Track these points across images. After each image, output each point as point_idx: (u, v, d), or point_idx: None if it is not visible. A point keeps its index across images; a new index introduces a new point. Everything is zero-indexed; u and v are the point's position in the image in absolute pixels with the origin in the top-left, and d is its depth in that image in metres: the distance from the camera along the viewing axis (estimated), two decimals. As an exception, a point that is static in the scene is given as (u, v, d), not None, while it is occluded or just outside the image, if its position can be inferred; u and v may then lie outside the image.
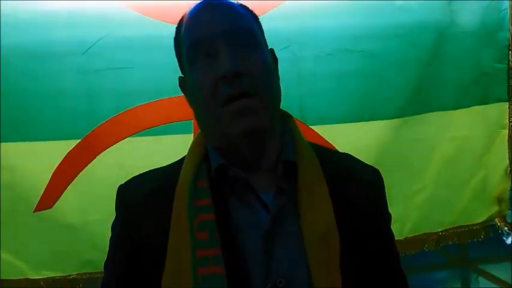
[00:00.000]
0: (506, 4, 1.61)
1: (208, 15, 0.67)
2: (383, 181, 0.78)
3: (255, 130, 0.65)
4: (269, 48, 0.73)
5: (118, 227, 0.73)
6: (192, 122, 1.44)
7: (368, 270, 0.68)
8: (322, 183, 0.69)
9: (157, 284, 0.64)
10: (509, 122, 1.65)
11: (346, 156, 0.80)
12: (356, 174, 0.74)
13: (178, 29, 0.71)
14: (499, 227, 1.68)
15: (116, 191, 0.75)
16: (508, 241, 1.66)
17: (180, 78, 0.73)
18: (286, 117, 0.76)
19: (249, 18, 0.70)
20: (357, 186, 0.72)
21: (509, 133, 1.66)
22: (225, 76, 0.63)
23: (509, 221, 1.69)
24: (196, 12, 0.69)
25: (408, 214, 1.62)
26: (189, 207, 0.65)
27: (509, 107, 1.65)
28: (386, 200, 0.78)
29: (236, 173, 0.67)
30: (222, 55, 0.64)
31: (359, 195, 0.71)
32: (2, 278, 1.44)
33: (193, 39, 0.67)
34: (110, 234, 0.74)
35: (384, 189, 0.78)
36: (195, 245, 0.63)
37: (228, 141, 0.67)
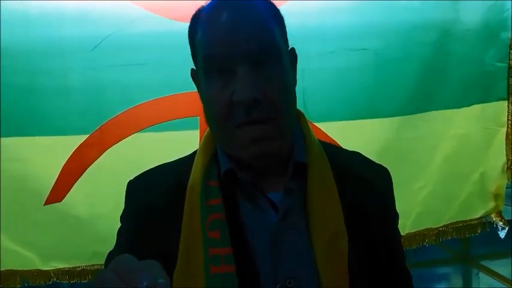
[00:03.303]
0: (510, 4, 1.61)
1: (228, 24, 0.62)
2: (391, 180, 0.78)
3: (268, 156, 0.64)
4: (290, 47, 0.71)
5: (130, 226, 0.72)
6: (199, 119, 1.46)
7: (374, 269, 0.68)
8: (331, 184, 0.68)
9: None
10: (508, 120, 1.67)
11: (356, 155, 0.80)
12: (364, 173, 0.74)
13: (193, 25, 0.67)
14: (494, 221, 1.70)
15: (122, 185, 0.75)
16: (502, 235, 1.67)
17: (192, 70, 0.71)
18: (297, 115, 0.74)
19: (271, 23, 0.65)
20: (365, 186, 0.72)
21: (507, 131, 1.67)
22: (241, 103, 0.61)
23: (506, 216, 1.71)
24: (214, 16, 0.63)
25: (410, 210, 1.64)
26: (201, 206, 0.66)
27: (508, 106, 1.66)
28: (393, 199, 0.78)
29: (244, 177, 0.67)
30: (241, 78, 0.60)
31: (367, 194, 0.71)
32: (14, 269, 1.48)
33: (210, 53, 0.63)
34: (119, 226, 0.74)
35: (392, 189, 0.78)
36: (207, 243, 0.64)
37: (237, 157, 0.66)
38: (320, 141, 0.75)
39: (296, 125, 0.73)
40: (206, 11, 0.66)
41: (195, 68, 0.70)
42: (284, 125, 0.65)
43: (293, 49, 0.72)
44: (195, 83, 0.72)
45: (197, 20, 0.67)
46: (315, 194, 0.67)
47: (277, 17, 0.68)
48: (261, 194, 0.67)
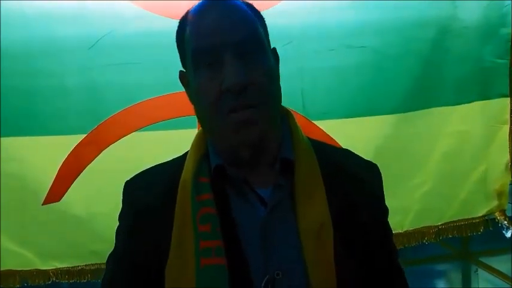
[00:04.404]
0: (509, 1, 1.61)
1: (214, 19, 0.65)
2: (381, 176, 0.79)
3: (256, 141, 0.67)
4: (272, 47, 0.73)
5: (128, 226, 0.73)
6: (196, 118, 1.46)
7: (365, 264, 0.69)
8: (318, 180, 0.70)
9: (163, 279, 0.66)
10: (510, 117, 1.65)
11: (345, 152, 0.82)
12: (353, 169, 0.75)
13: (182, 26, 0.70)
14: (498, 220, 1.69)
15: (120, 184, 0.76)
16: (508, 235, 1.66)
17: (181, 72, 0.74)
18: (285, 113, 0.77)
19: (254, 19, 0.69)
20: (354, 182, 0.73)
21: (510, 128, 1.66)
22: (230, 89, 0.63)
23: (509, 214, 1.70)
24: (202, 13, 0.67)
25: (409, 207, 1.63)
26: (192, 201, 0.67)
27: (510, 102, 1.65)
28: (383, 195, 0.78)
29: (234, 173, 0.69)
30: (228, 66, 0.64)
31: (356, 190, 0.72)
32: (13, 268, 1.47)
33: (198, 46, 0.66)
34: (117, 226, 0.75)
35: (382, 184, 0.79)
36: (198, 236, 0.66)
37: (228, 147, 0.69)
38: (312, 139, 0.76)
39: (284, 122, 0.75)
40: (193, 11, 0.69)
41: (183, 70, 0.73)
42: (270, 110, 0.68)
43: (274, 49, 0.74)
44: (183, 84, 0.74)
45: (185, 20, 0.70)
46: (302, 190, 0.69)
47: (259, 18, 0.72)
48: (250, 189, 0.69)
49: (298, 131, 0.75)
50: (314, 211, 0.68)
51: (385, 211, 0.79)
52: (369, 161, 0.81)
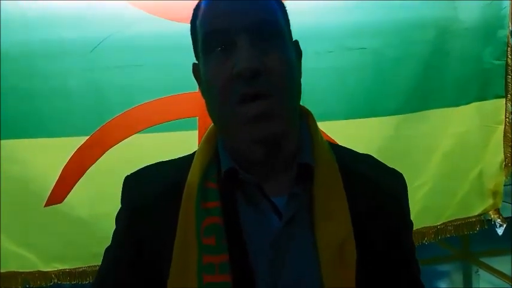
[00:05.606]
0: (507, 2, 1.62)
1: (230, 2, 0.60)
2: (404, 186, 0.73)
3: (270, 137, 0.60)
4: (294, 40, 0.67)
5: (124, 222, 0.69)
6: (197, 119, 1.45)
7: (384, 280, 0.63)
8: (340, 190, 0.63)
9: (162, 283, 0.61)
10: (506, 117, 1.67)
11: (368, 159, 0.74)
12: (376, 178, 0.68)
13: (195, 13, 0.65)
14: (492, 219, 1.71)
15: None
16: (500, 232, 1.68)
17: (194, 64, 0.68)
18: (304, 113, 0.70)
19: (275, 6, 0.63)
20: (376, 192, 0.66)
21: (505, 129, 1.68)
22: (242, 74, 0.57)
23: (506, 214, 1.72)
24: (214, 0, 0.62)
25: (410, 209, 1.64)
26: (197, 209, 0.62)
27: (506, 103, 1.67)
28: (408, 206, 0.72)
29: (246, 177, 0.63)
30: (241, 50, 0.57)
31: (377, 200, 0.66)
32: (15, 270, 1.47)
33: (210, 29, 0.60)
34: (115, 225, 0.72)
35: (406, 195, 0.72)
36: (201, 250, 0.60)
37: (240, 144, 0.62)
38: (329, 142, 0.70)
39: (303, 124, 0.68)
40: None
41: (197, 62, 0.68)
42: (287, 103, 0.61)
43: (297, 42, 0.68)
44: (195, 78, 0.69)
45: (198, 7, 0.65)
46: (322, 200, 0.62)
47: (281, 6, 0.66)
48: (264, 196, 0.63)
49: (318, 133, 0.68)
50: (335, 226, 0.61)
51: (407, 223, 0.72)
52: (392, 168, 0.73)
